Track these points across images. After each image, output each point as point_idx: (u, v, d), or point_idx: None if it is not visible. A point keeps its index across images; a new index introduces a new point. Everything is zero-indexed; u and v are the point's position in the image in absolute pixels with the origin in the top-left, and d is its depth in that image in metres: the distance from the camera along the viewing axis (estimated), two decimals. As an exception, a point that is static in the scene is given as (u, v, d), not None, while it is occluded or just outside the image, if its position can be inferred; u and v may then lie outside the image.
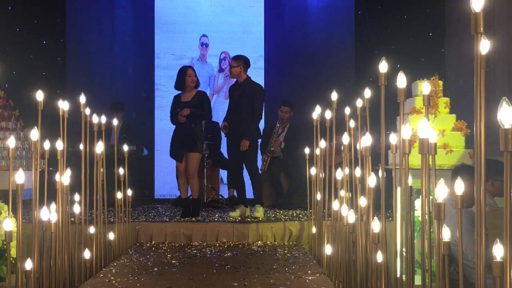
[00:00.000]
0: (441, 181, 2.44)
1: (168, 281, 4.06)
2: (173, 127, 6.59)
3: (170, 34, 9.31)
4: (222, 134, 7.08)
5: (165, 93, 9.26)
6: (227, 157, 7.74)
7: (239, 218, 6.16)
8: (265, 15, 9.31)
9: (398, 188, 3.39)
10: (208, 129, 7.69)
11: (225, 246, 5.54)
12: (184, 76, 6.38)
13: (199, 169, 6.61)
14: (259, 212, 6.21)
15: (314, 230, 5.39)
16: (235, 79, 6.56)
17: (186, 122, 6.28)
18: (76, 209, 4.56)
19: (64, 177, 4.13)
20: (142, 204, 8.02)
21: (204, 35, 9.32)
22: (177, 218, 6.26)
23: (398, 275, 3.81)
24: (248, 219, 6.12)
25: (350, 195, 4.28)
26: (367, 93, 3.69)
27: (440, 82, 5.56)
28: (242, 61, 6.40)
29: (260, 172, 7.03)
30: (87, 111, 4.66)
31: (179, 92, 6.52)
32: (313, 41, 9.39)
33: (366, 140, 3.60)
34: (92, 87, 9.13)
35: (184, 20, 9.29)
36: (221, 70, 9.37)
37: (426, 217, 2.82)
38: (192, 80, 6.38)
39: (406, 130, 3.02)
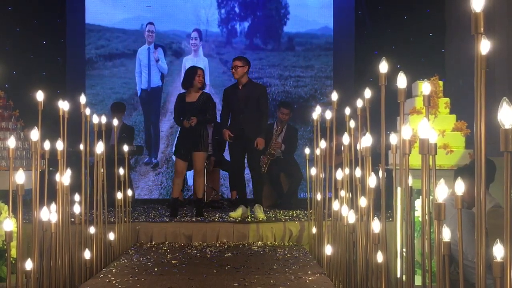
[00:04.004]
0: (441, 181, 2.44)
1: (168, 281, 4.06)
2: (175, 127, 6.61)
3: (171, 33, 9.33)
4: None
5: (164, 94, 9.28)
6: (227, 158, 7.77)
7: (239, 219, 6.16)
8: (266, 14, 9.33)
9: (398, 189, 3.38)
10: (215, 130, 7.70)
11: (225, 246, 5.54)
12: (194, 76, 6.40)
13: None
14: (260, 212, 6.22)
15: (314, 230, 5.38)
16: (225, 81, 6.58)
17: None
18: (76, 209, 4.56)
19: (64, 177, 4.13)
20: (142, 204, 8.03)
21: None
22: (177, 218, 6.26)
23: (398, 276, 3.80)
24: (249, 219, 6.12)
25: (350, 196, 4.28)
26: (367, 93, 3.69)
27: (440, 83, 5.56)
28: (247, 62, 6.41)
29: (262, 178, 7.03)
30: (87, 111, 4.66)
31: (183, 91, 6.54)
32: (313, 41, 9.40)
33: (366, 141, 3.60)
34: (92, 87, 9.17)
35: (184, 19, 9.31)
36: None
37: (426, 218, 2.82)
38: (200, 81, 6.41)
39: (406, 131, 3.02)
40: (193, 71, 6.48)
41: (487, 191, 4.35)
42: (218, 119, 6.87)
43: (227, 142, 6.69)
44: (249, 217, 6.25)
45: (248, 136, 6.29)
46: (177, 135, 6.66)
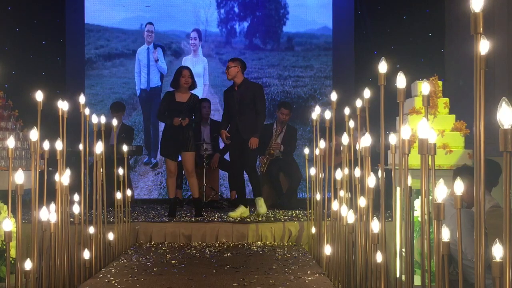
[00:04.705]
0: (441, 181, 2.44)
1: (167, 282, 4.06)
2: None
3: (170, 33, 9.33)
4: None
5: (164, 94, 9.28)
6: (226, 158, 7.77)
7: (238, 219, 6.16)
8: (266, 14, 9.34)
9: (398, 188, 3.39)
10: (214, 128, 7.70)
11: (225, 246, 5.54)
12: (179, 77, 6.42)
13: (198, 169, 6.63)
14: (262, 206, 6.28)
15: (313, 230, 5.39)
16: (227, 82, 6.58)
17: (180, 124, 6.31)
18: (76, 209, 4.56)
19: (63, 177, 4.13)
20: (141, 204, 8.03)
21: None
22: (177, 218, 6.26)
23: (398, 276, 3.81)
24: (248, 220, 6.12)
25: (350, 196, 4.28)
26: (367, 93, 3.69)
27: (440, 82, 5.56)
28: (239, 62, 6.42)
29: (258, 173, 7.04)
30: (87, 111, 4.66)
31: (171, 90, 6.54)
32: (312, 40, 9.40)
33: (365, 140, 3.60)
34: (91, 87, 9.17)
35: (184, 19, 9.32)
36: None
37: (426, 217, 2.82)
38: (186, 81, 6.39)
39: (405, 130, 3.02)
40: (178, 71, 6.50)
41: (486, 191, 4.35)
42: (215, 118, 6.86)
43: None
44: (249, 217, 6.26)
45: (242, 137, 6.31)
46: (162, 134, 6.60)
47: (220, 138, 7.80)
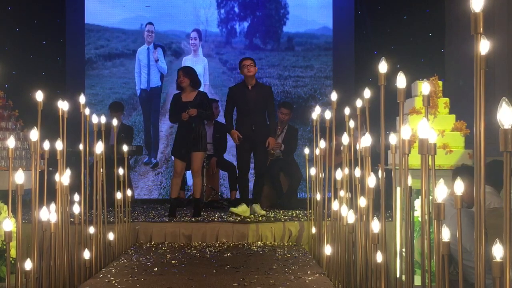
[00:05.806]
0: (441, 181, 2.44)
1: (167, 282, 4.05)
2: (175, 127, 6.59)
3: (170, 33, 9.33)
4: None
5: (164, 94, 9.28)
6: (226, 158, 7.78)
7: (238, 219, 6.15)
8: (266, 14, 9.34)
9: (398, 188, 3.38)
10: (217, 129, 7.69)
11: (225, 246, 5.54)
12: (177, 79, 6.45)
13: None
14: (261, 210, 6.38)
15: (313, 230, 5.39)
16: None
17: (188, 120, 6.27)
18: (76, 209, 4.56)
19: (63, 177, 4.13)
20: (141, 204, 8.03)
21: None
22: (177, 218, 6.26)
23: (398, 276, 3.80)
24: (248, 219, 6.12)
25: (350, 195, 4.28)
26: (367, 93, 3.69)
27: (440, 82, 5.56)
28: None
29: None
30: (87, 111, 4.66)
31: (178, 91, 6.54)
32: (312, 41, 9.41)
33: (365, 140, 3.60)
34: (91, 87, 9.17)
35: (184, 19, 9.32)
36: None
37: (426, 217, 2.82)
38: (181, 81, 6.39)
39: (405, 130, 3.02)
40: (177, 72, 6.54)
41: (496, 192, 4.34)
42: (218, 118, 6.86)
43: (228, 143, 6.69)
44: (249, 217, 6.25)
45: (257, 138, 6.33)
46: (175, 134, 6.64)
47: (221, 139, 7.81)
